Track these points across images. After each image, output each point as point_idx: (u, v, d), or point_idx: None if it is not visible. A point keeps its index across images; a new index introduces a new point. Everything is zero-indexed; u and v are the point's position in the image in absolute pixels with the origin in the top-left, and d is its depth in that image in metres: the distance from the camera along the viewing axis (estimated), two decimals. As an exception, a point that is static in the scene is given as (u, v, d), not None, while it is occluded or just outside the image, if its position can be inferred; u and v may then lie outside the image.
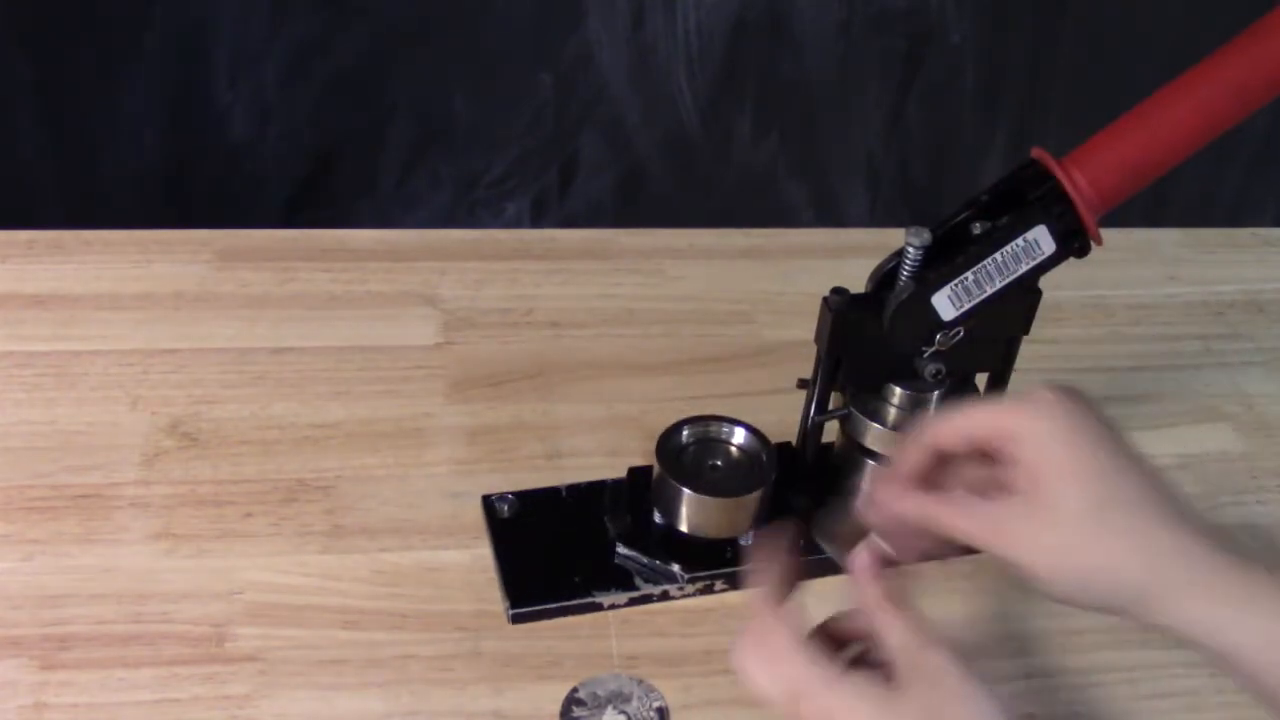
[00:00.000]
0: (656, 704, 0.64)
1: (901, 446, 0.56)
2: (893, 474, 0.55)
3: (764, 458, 0.68)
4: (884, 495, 0.55)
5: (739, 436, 0.70)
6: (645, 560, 0.69)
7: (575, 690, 0.63)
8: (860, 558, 0.54)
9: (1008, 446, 0.52)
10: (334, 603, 0.66)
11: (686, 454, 0.69)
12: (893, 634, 0.50)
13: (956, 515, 0.53)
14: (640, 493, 0.71)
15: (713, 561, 0.69)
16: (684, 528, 0.68)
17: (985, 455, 0.54)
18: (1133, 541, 0.50)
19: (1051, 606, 0.69)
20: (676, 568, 0.68)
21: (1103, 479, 0.50)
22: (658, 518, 0.69)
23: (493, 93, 1.19)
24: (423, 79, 1.17)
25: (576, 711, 0.63)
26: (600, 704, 0.63)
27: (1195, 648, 0.49)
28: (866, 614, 0.52)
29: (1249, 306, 0.94)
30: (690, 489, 0.67)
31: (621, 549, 0.69)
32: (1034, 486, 0.51)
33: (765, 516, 0.69)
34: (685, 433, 0.70)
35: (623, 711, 0.63)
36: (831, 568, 0.70)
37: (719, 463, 0.69)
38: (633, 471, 0.72)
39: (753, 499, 0.68)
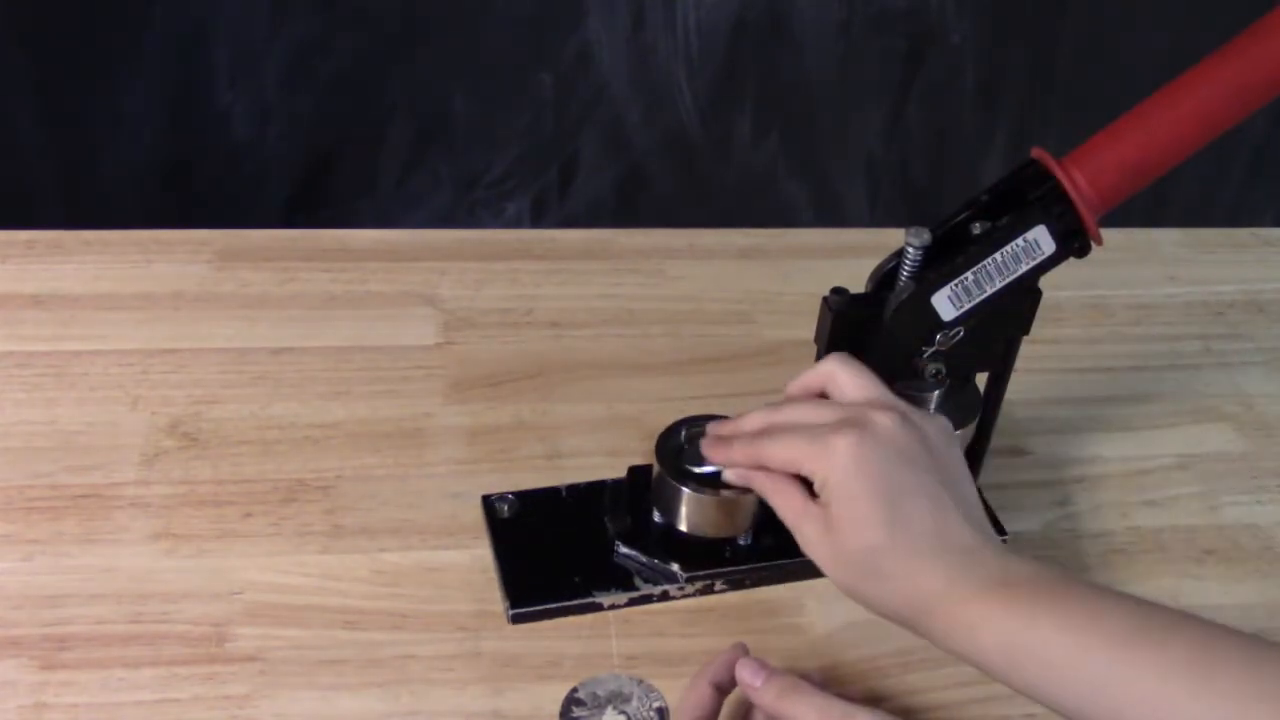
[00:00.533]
0: (656, 704, 0.64)
1: (749, 414, 0.63)
2: (734, 428, 0.63)
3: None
4: (722, 443, 0.63)
5: None
6: (645, 560, 0.69)
7: (575, 690, 0.63)
8: (743, 669, 0.59)
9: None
10: (334, 603, 0.66)
11: (686, 454, 0.69)
12: (810, 718, 0.55)
13: (774, 491, 0.60)
14: (640, 492, 0.71)
15: (712, 561, 0.69)
16: (683, 527, 0.68)
17: None
18: (899, 586, 0.55)
19: (1051, 606, 0.69)
20: (676, 567, 0.68)
21: (879, 527, 0.55)
22: (657, 517, 0.70)
23: (493, 93, 1.19)
24: (423, 79, 1.17)
25: (576, 711, 0.63)
26: (600, 704, 0.63)
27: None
28: (773, 715, 0.57)
29: (1249, 306, 0.94)
30: (689, 488, 0.67)
31: (621, 548, 0.69)
32: (828, 514, 0.57)
33: (764, 516, 0.69)
34: (685, 433, 0.70)
35: (623, 711, 0.63)
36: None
37: None
38: (633, 471, 0.72)
39: (751, 499, 0.68)
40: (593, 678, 0.63)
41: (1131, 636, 0.50)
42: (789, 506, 0.59)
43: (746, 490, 0.64)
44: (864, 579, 0.56)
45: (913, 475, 0.56)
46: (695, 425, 0.70)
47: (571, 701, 0.63)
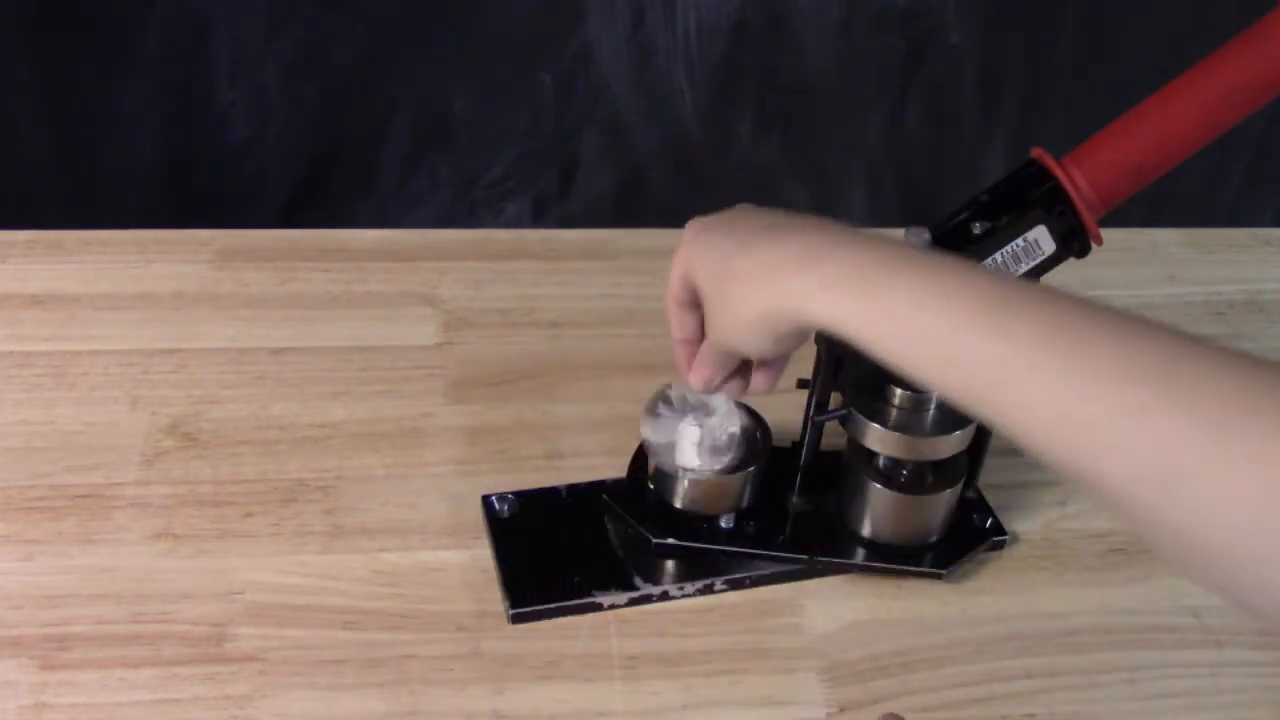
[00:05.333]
0: (731, 429, 0.67)
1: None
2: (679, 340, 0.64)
3: (758, 435, 0.69)
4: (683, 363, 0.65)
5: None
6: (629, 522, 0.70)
7: (669, 387, 0.67)
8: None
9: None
10: (334, 603, 0.66)
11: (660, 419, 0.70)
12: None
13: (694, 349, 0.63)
14: (640, 465, 0.72)
15: (685, 534, 0.69)
16: (677, 503, 0.69)
17: None
18: (761, 272, 0.55)
19: (1051, 606, 0.69)
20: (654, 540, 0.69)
21: (718, 248, 0.58)
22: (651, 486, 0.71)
23: (493, 93, 1.19)
24: (423, 79, 1.17)
25: (661, 409, 0.67)
26: (687, 408, 0.67)
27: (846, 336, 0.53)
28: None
29: (1249, 306, 0.94)
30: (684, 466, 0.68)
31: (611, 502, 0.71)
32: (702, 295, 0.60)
33: (756, 497, 0.69)
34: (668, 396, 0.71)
35: (699, 423, 0.66)
36: (833, 569, 0.70)
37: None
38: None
39: (735, 481, 0.68)
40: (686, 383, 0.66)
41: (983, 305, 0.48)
42: (697, 331, 0.63)
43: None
44: (731, 301, 0.57)
45: (747, 216, 0.60)
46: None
47: (662, 398, 0.67)
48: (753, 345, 0.58)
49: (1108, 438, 0.43)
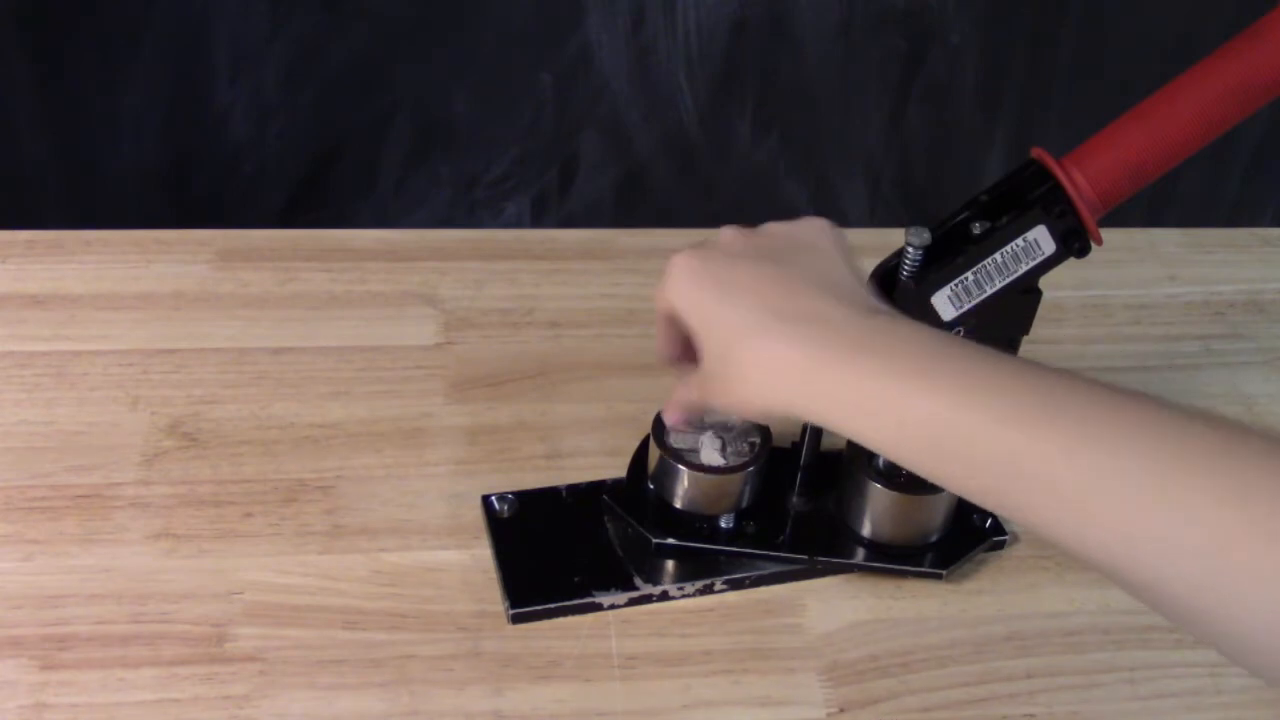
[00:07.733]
0: (752, 438, 0.68)
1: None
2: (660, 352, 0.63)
3: (758, 436, 0.69)
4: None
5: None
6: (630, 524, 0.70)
7: None
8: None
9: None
10: (334, 603, 0.66)
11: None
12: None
13: (681, 386, 0.63)
14: (640, 465, 0.72)
15: (686, 534, 0.69)
16: (677, 503, 0.69)
17: None
18: (755, 372, 0.53)
19: (1051, 606, 0.69)
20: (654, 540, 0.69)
21: (720, 324, 0.55)
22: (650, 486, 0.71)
23: (493, 93, 1.19)
24: (423, 79, 1.17)
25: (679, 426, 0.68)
26: (704, 426, 0.68)
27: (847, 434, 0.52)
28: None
29: (1249, 306, 0.93)
30: (678, 463, 0.68)
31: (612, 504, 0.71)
32: (696, 345, 0.57)
33: (756, 497, 0.70)
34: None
35: (720, 436, 0.68)
36: (833, 569, 0.70)
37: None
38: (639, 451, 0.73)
39: (736, 480, 0.68)
40: None
41: (965, 381, 0.48)
42: (689, 380, 0.61)
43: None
44: (733, 381, 0.55)
45: (747, 266, 0.56)
46: None
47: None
48: (756, 419, 0.61)
49: (1168, 545, 0.42)
